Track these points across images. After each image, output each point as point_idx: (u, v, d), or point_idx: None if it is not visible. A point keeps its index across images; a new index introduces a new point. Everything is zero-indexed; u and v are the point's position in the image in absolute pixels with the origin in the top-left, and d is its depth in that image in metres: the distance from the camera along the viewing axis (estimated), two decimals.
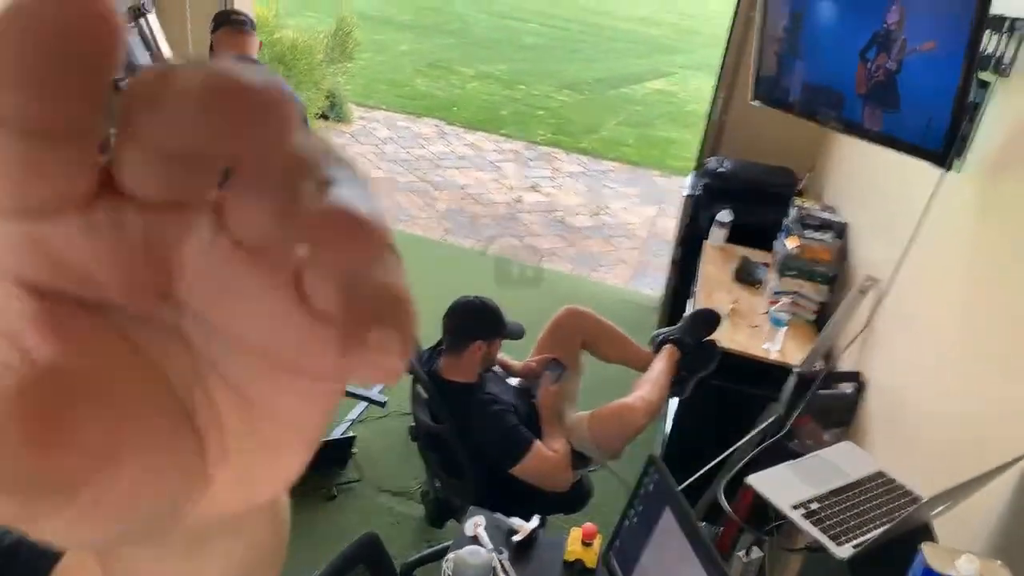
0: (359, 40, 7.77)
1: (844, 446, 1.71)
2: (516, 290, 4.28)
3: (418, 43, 11.12)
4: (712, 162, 3.63)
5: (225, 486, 0.20)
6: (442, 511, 2.43)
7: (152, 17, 2.93)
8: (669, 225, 4.93)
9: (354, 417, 3.21)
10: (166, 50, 3.05)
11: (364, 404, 3.27)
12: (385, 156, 6.66)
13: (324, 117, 6.92)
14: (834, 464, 1.58)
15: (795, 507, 1.39)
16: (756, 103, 2.72)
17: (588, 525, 1.71)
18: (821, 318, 2.75)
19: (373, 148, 6.82)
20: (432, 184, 6.17)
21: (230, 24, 2.49)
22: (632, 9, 17.06)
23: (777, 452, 1.84)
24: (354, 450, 2.92)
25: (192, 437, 0.18)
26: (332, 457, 2.89)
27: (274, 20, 6.35)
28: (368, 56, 9.01)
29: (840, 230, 2.88)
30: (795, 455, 1.66)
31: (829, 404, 2.09)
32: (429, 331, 2.31)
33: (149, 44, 2.94)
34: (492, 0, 15.38)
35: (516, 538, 1.69)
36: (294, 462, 0.21)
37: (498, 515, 1.78)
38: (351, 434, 3.01)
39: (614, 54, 12.57)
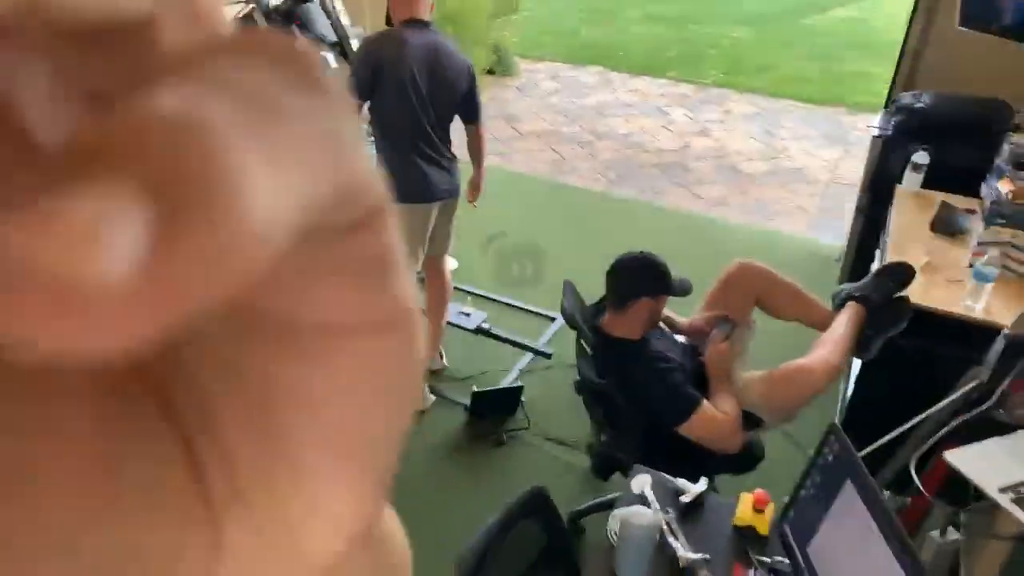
0: None
1: None
2: (684, 243, 4.15)
3: None
4: (907, 97, 3.27)
5: (252, 545, 0.14)
6: (608, 464, 2.45)
7: None
8: (855, 169, 4.53)
9: (521, 366, 3.30)
10: (345, 19, 3.20)
11: (531, 355, 3.35)
12: (549, 107, 6.63)
13: (491, 72, 7.00)
14: None
15: (1003, 490, 1.25)
16: (962, 29, 2.40)
17: (760, 492, 1.65)
18: None
19: (538, 101, 6.81)
20: (595, 133, 6.08)
21: None
22: None
23: (981, 424, 1.65)
24: (523, 399, 3.01)
25: (177, 468, 0.13)
26: (502, 404, 3.00)
27: None
28: (532, 6, 8.95)
29: None
30: (1005, 429, 1.48)
31: None
32: (594, 286, 2.31)
33: (329, 13, 3.09)
34: None
35: (684, 499, 1.67)
36: (344, 504, 0.14)
37: (664, 475, 1.76)
38: (520, 383, 3.10)
39: None
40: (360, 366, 0.13)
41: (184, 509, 0.13)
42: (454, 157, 2.76)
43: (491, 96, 6.70)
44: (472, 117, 2.79)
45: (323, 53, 3.08)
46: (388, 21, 2.67)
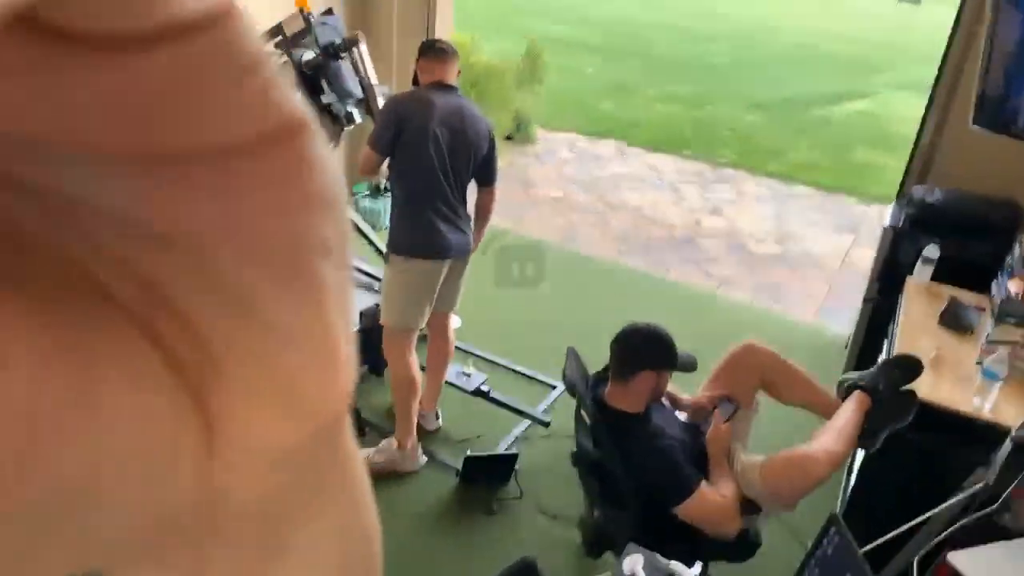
0: (547, 63, 7.96)
1: None
2: (691, 319, 4.14)
3: (604, 65, 11.19)
4: (919, 191, 3.30)
5: (244, 419, 0.14)
6: (600, 541, 2.38)
7: (363, 47, 3.18)
8: (865, 258, 4.54)
9: (518, 433, 3.25)
10: (373, 77, 3.29)
11: (528, 422, 3.30)
12: (564, 177, 6.74)
13: (509, 138, 7.14)
14: None
15: None
16: (976, 128, 2.44)
17: None
18: None
19: (554, 168, 6.92)
20: (608, 204, 6.15)
21: (433, 52, 2.65)
22: (829, 24, 16.07)
23: (985, 528, 1.61)
24: (517, 467, 2.95)
25: (151, 348, 0.13)
26: (495, 471, 2.94)
27: (471, 45, 6.67)
28: (555, 79, 9.21)
29: None
30: (1008, 535, 1.43)
31: None
32: (598, 355, 2.29)
33: (358, 70, 3.18)
34: (680, 22, 15.17)
35: None
36: (324, 369, 0.15)
37: (657, 556, 1.70)
38: (515, 450, 3.05)
39: (808, 73, 11.91)
40: (271, 179, 0.13)
41: (162, 391, 0.13)
42: (469, 217, 2.79)
43: (509, 161, 6.82)
44: (488, 181, 2.83)
45: (350, 108, 3.15)
46: (415, 82, 2.74)
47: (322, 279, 0.14)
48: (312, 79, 3.06)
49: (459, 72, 2.72)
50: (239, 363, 0.14)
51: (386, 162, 2.63)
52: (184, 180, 0.12)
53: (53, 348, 0.12)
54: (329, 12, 3.24)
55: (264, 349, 0.14)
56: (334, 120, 3.14)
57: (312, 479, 0.17)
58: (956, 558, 1.28)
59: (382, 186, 2.72)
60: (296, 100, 0.13)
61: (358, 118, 3.17)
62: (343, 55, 3.07)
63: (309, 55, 3.06)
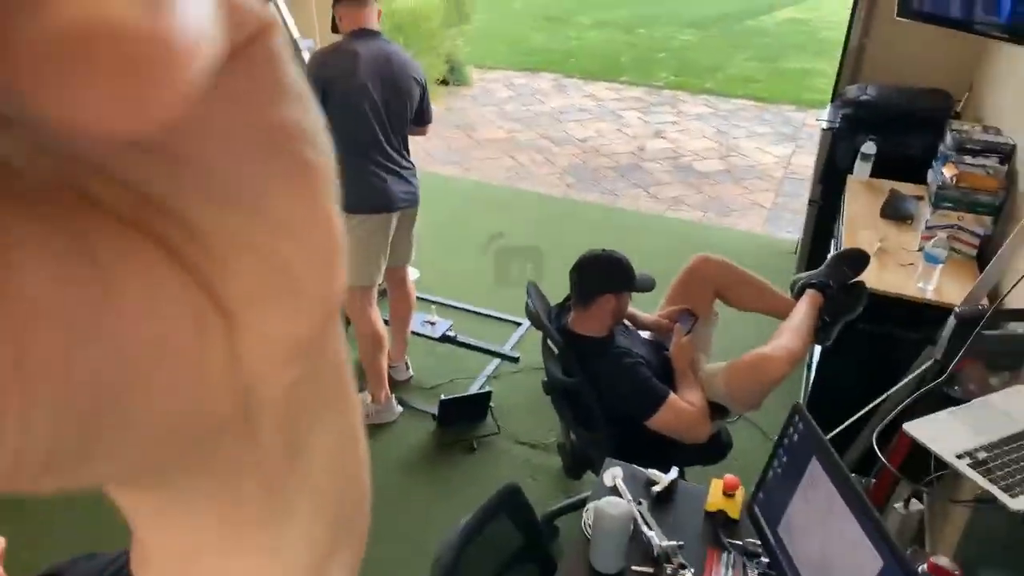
0: (474, 1, 7.77)
1: (1017, 390, 1.56)
2: (644, 243, 4.20)
3: None
4: (852, 90, 3.36)
5: (258, 311, 0.14)
6: (579, 463, 2.46)
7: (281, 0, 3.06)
8: (807, 163, 4.64)
9: (489, 372, 3.29)
10: (294, 31, 3.18)
11: (497, 360, 3.35)
12: (506, 115, 6.67)
13: (444, 82, 7.01)
14: (1004, 410, 1.44)
15: (960, 456, 1.29)
16: (902, 20, 2.48)
17: (730, 476, 1.67)
18: (984, 253, 2.50)
19: (494, 108, 6.84)
20: (552, 139, 6.12)
21: None
22: None
23: (936, 400, 1.70)
24: (491, 404, 3.01)
25: (157, 249, 0.13)
26: (471, 411, 2.99)
27: None
28: (483, 16, 9.00)
29: (1006, 153, 2.60)
30: (957, 403, 1.53)
31: (997, 346, 1.90)
32: (557, 289, 2.32)
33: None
34: None
35: (655, 489, 1.69)
36: (325, 257, 0.16)
37: (635, 466, 1.77)
38: (488, 388, 3.10)
39: None
40: (247, 74, 0.14)
41: (177, 286, 0.13)
42: (412, 165, 2.75)
43: (446, 106, 6.71)
44: (424, 122, 2.79)
45: None
46: (334, 27, 2.66)
47: (311, 165, 0.15)
48: None
49: (380, 13, 2.64)
50: (244, 256, 0.14)
51: None
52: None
53: (66, 251, 0.12)
54: None
55: (266, 240, 0.14)
56: None
57: (320, 376, 0.18)
58: (911, 427, 1.36)
59: None
60: (260, 1, 0.14)
61: None
62: None
63: None
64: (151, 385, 0.13)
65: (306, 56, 2.95)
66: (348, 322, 2.95)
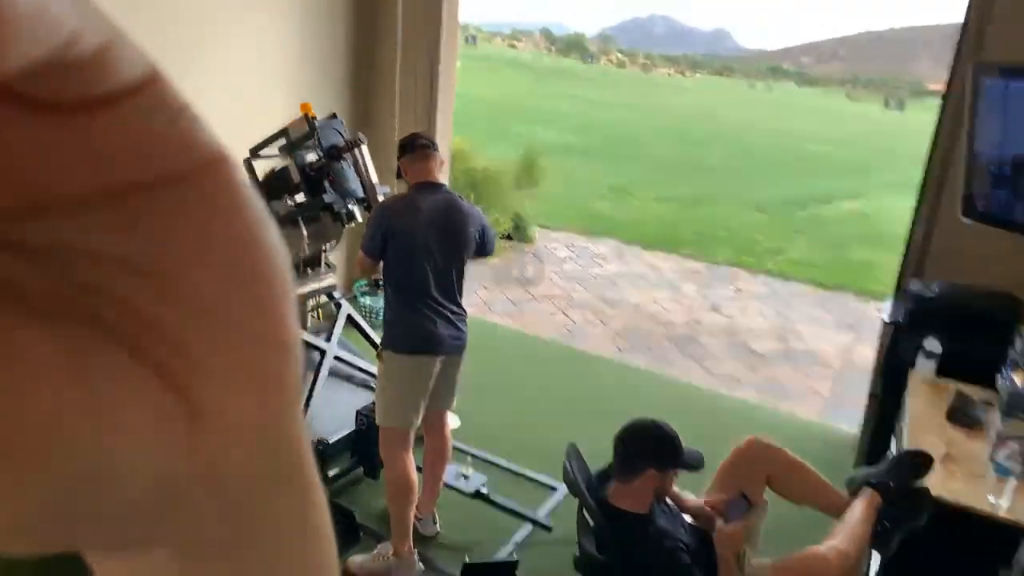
0: (544, 167, 8.20)
1: None
2: (693, 418, 4.07)
3: (602, 168, 11.53)
4: (916, 285, 3.32)
5: (223, 403, 0.17)
6: None
7: (364, 148, 3.28)
8: (867, 355, 4.52)
9: (519, 539, 3.12)
10: (374, 176, 3.38)
11: (530, 526, 3.18)
12: (564, 274, 6.81)
13: (508, 237, 7.27)
14: None
15: None
16: (966, 220, 2.47)
17: None
18: None
19: (553, 267, 7.01)
20: (607, 301, 6.18)
21: (414, 148, 2.73)
22: (819, 128, 16.67)
23: None
24: (517, 574, 2.82)
25: (136, 361, 0.16)
26: None
27: (471, 150, 6.89)
28: (553, 183, 9.46)
29: None
30: None
31: None
32: (599, 455, 2.23)
33: (360, 170, 3.27)
34: (675, 128, 15.74)
35: None
36: (281, 352, 0.18)
37: None
38: (515, 557, 2.92)
39: (802, 174, 12.25)
40: (211, 200, 0.16)
41: (150, 394, 0.16)
42: (464, 312, 2.79)
43: (507, 260, 6.92)
44: (487, 254, 2.89)
45: (352, 207, 3.22)
46: (398, 174, 2.82)
47: (271, 275, 0.17)
48: (315, 179, 3.15)
49: (443, 163, 2.81)
50: (215, 359, 0.17)
51: (380, 264, 2.68)
52: (142, 215, 0.15)
53: (65, 366, 0.14)
54: (333, 116, 3.36)
55: (233, 344, 0.17)
56: (335, 218, 3.21)
57: (277, 454, 0.20)
58: None
59: (380, 282, 2.78)
60: (216, 138, 0.16)
61: (359, 216, 3.24)
62: (345, 156, 3.16)
63: (312, 156, 3.16)
64: (122, 469, 0.16)
65: (382, 199, 3.12)
66: (381, 464, 2.88)
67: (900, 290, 3.52)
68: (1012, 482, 2.23)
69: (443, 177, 2.78)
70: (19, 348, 0.14)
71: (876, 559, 2.49)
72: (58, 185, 0.15)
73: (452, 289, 2.73)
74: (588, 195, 9.88)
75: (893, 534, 2.12)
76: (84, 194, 0.15)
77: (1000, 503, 2.21)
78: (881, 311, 3.48)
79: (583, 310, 5.96)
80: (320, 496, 0.23)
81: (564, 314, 5.85)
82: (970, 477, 2.36)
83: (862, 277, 7.33)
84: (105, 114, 0.14)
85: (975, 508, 2.20)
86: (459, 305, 2.77)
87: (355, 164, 3.22)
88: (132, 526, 0.17)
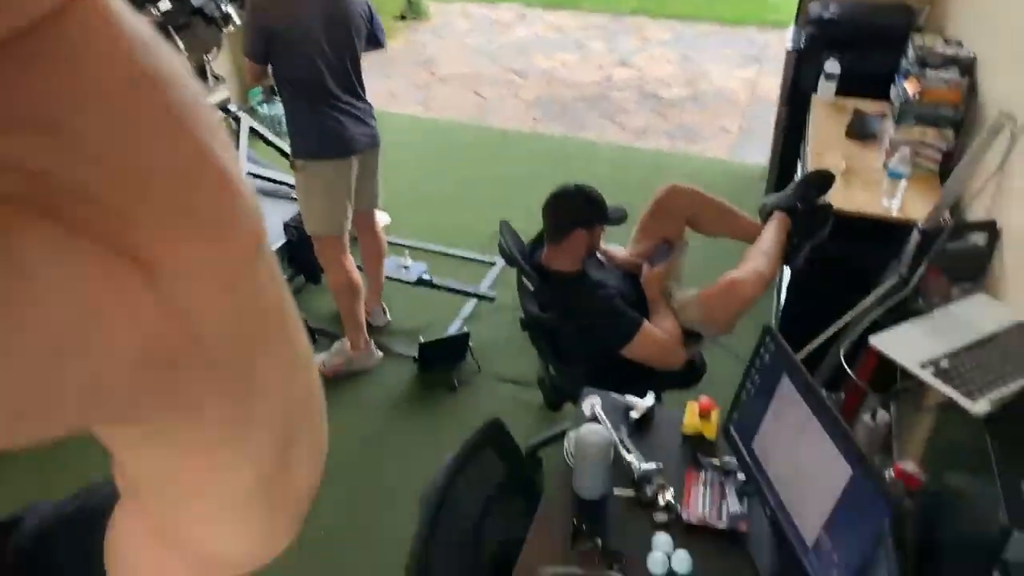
0: None
1: (976, 299, 1.61)
2: (613, 174, 4.18)
3: None
4: (815, 7, 3.32)
5: (175, 252, 0.16)
6: (559, 395, 2.51)
7: None
8: (773, 86, 4.61)
9: (466, 314, 3.31)
10: None
11: (474, 300, 3.36)
12: (468, 48, 6.50)
13: (402, 17, 6.79)
14: (965, 319, 1.49)
15: (923, 365, 1.34)
16: None
17: (704, 399, 1.72)
18: (946, 168, 2.53)
19: (455, 42, 6.67)
20: (517, 72, 6.00)
21: None
22: None
23: (902, 313, 1.75)
24: (471, 344, 3.03)
25: (56, 225, 0.15)
26: (450, 352, 3.02)
27: None
28: None
29: (967, 65, 2.60)
30: (922, 315, 1.57)
31: (958, 257, 1.95)
32: (530, 225, 2.32)
33: None
34: None
35: (633, 415, 1.73)
36: (226, 194, 0.17)
37: (613, 394, 1.81)
38: (466, 329, 3.12)
39: None
40: (84, 35, 0.14)
41: (83, 254, 0.15)
42: (369, 105, 2.68)
43: (405, 41, 6.53)
44: (379, 45, 2.70)
45: (225, 8, 2.93)
46: None
47: (175, 107, 0.16)
48: None
49: None
50: (138, 206, 0.15)
51: (269, 68, 2.49)
52: (19, 61, 0.14)
53: None
54: None
55: (159, 187, 0.15)
56: (208, 22, 2.93)
57: (259, 308, 0.19)
58: (876, 340, 1.41)
59: (275, 88, 2.60)
60: None
61: (236, 17, 2.96)
62: None
63: None
64: (89, 348, 0.15)
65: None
66: (321, 269, 2.93)
67: (801, 15, 3.52)
68: (903, 184, 2.43)
69: None
70: None
71: (787, 273, 2.75)
72: None
73: (351, 82, 2.59)
74: None
75: (801, 248, 2.32)
76: None
77: (892, 204, 2.43)
78: (784, 40, 3.50)
79: (493, 85, 5.79)
80: (302, 334, 0.23)
81: (475, 93, 5.69)
82: (867, 186, 2.56)
83: (766, 8, 7.24)
84: None
85: (871, 213, 2.42)
86: (362, 99, 2.65)
87: None
88: (134, 397, 0.17)
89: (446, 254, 3.66)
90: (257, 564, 0.27)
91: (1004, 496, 1.09)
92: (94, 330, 0.15)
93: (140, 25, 0.15)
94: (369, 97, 2.70)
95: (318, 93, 2.49)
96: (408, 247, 3.58)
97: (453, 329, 3.19)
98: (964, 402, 1.26)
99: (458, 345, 3.03)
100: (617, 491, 1.53)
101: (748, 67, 6.00)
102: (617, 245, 2.46)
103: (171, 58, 0.16)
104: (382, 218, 3.16)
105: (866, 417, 1.67)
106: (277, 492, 0.24)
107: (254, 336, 0.20)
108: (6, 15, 0.13)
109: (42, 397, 0.15)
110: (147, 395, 0.17)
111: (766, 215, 2.36)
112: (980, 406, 1.25)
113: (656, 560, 1.37)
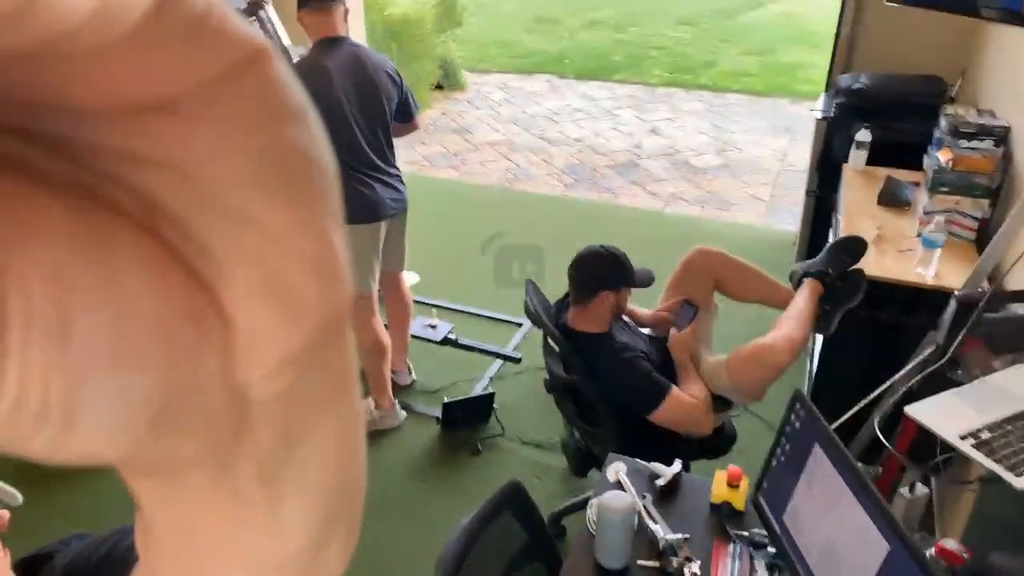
0: (466, 5, 7.78)
1: (1017, 370, 1.55)
2: (642, 239, 4.19)
3: (523, 1, 10.97)
4: (845, 79, 3.35)
5: (253, 318, 0.16)
6: (584, 460, 2.45)
7: (270, 9, 3.06)
8: (804, 155, 4.63)
9: (491, 374, 3.29)
10: (284, 38, 3.18)
11: (499, 361, 3.34)
12: (502, 118, 6.66)
13: (439, 87, 7.01)
14: (1006, 389, 1.43)
15: (963, 437, 1.28)
16: (892, 4, 2.47)
17: (733, 467, 1.66)
18: (983, 237, 2.49)
19: (489, 112, 6.84)
20: (548, 140, 6.12)
21: (311, 3, 2.49)
22: None
23: (940, 384, 1.69)
24: (495, 406, 3.00)
25: (160, 247, 0.15)
26: (474, 413, 2.98)
27: None
28: (476, 20, 9.01)
29: (1001, 135, 2.59)
30: (961, 386, 1.52)
31: (999, 327, 1.89)
32: (557, 288, 2.31)
33: (269, 34, 3.07)
34: None
35: (659, 482, 1.68)
36: (320, 272, 0.17)
37: (639, 461, 1.77)
38: (490, 390, 3.09)
39: None
40: (245, 99, 0.15)
41: (176, 277, 0.15)
42: (398, 170, 2.74)
43: (441, 111, 6.72)
44: (408, 118, 2.75)
45: None
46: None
47: (308, 185, 0.16)
48: None
49: (347, 13, 2.60)
50: (241, 268, 0.15)
51: None
52: (174, 116, 0.14)
53: (80, 231, 0.14)
54: None
55: (263, 254, 0.16)
56: None
57: (321, 381, 0.19)
58: (913, 410, 1.35)
59: None
60: (251, 30, 0.15)
61: None
62: (250, 21, 2.95)
63: None
64: (146, 363, 0.15)
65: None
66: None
67: (831, 85, 3.55)
68: (937, 252, 2.39)
69: (352, 29, 2.59)
70: (32, 210, 0.13)
71: (819, 341, 2.70)
72: (86, 89, 0.14)
73: (382, 149, 2.65)
74: (514, 29, 9.47)
75: (833, 315, 2.28)
76: (113, 100, 0.14)
77: (927, 273, 2.39)
78: (813, 110, 3.52)
79: (525, 152, 5.90)
80: (359, 416, 0.22)
81: (506, 159, 5.80)
82: (900, 254, 2.52)
83: (795, 79, 7.34)
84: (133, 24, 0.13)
85: (905, 280, 2.38)
86: (392, 164, 2.70)
87: (262, 27, 3.01)
88: (156, 433, 0.16)
89: (473, 314, 3.67)
90: None
91: None
92: (155, 348, 0.15)
93: (301, 100, 0.16)
94: (404, 163, 2.75)
95: (350, 163, 2.55)
96: (435, 306, 3.59)
97: (478, 389, 3.16)
98: (1008, 476, 1.20)
99: (482, 406, 3.00)
100: (641, 562, 1.47)
101: (779, 137, 6.05)
102: (645, 310, 2.44)
103: (318, 136, 0.17)
104: (410, 278, 3.19)
105: (904, 491, 1.59)
106: (307, 572, 0.23)
107: (307, 414, 0.19)
108: (200, 65, 0.14)
109: (75, 390, 0.14)
110: (177, 442, 0.17)
111: (797, 281, 2.33)
112: (1023, 481, 1.19)
113: None
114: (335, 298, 0.17)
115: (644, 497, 1.62)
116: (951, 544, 1.36)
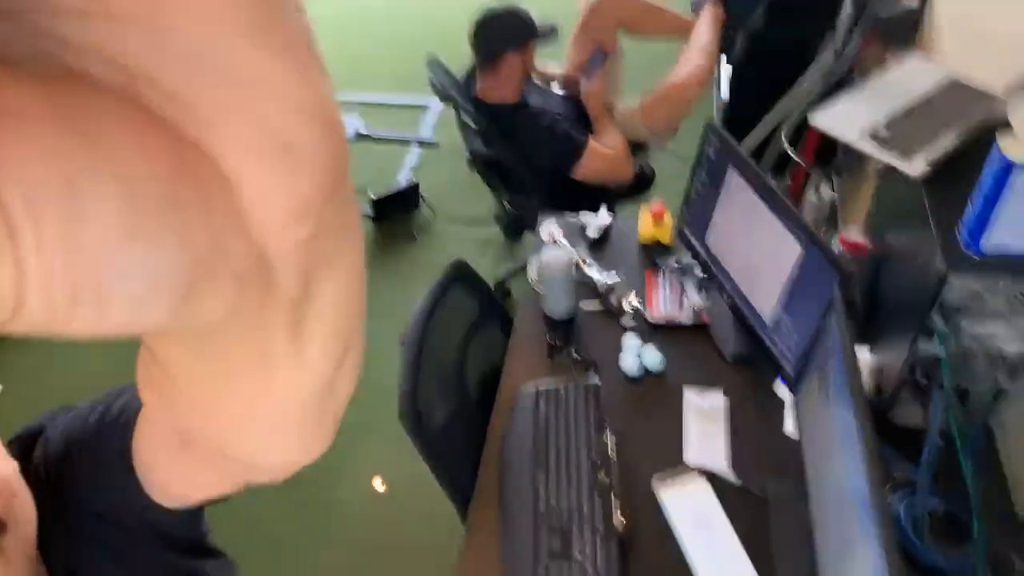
0: None
1: (910, 62, 1.61)
2: None
3: None
4: None
5: (252, 175, 0.16)
6: (517, 227, 2.54)
7: None
8: None
9: (413, 164, 3.25)
10: None
11: (418, 148, 3.29)
12: None
13: None
14: (901, 83, 1.50)
15: (863, 136, 1.36)
16: None
17: (656, 203, 1.75)
18: None
19: None
20: None
21: None
22: None
23: (842, 88, 1.75)
24: (422, 193, 3.01)
25: (144, 110, 0.15)
26: (404, 203, 2.99)
27: None
28: None
29: None
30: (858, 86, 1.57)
31: (891, 21, 1.93)
32: (461, 56, 2.22)
33: None
34: None
35: (590, 232, 1.77)
36: (312, 119, 0.16)
37: (568, 215, 1.84)
38: (414, 179, 3.08)
39: None
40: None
41: (166, 133, 0.15)
42: None
43: None
44: None
45: None
46: None
47: (282, 30, 0.15)
48: None
49: None
50: (230, 120, 0.15)
51: None
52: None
53: (64, 104, 0.14)
54: None
55: (252, 107, 0.15)
56: None
57: (333, 232, 0.19)
58: (816, 117, 1.42)
59: None
60: None
61: None
62: None
63: None
64: (160, 229, 0.15)
65: None
66: None
67: None
68: None
69: None
70: (11, 95, 0.13)
71: (726, 66, 2.71)
72: None
73: None
74: None
75: (737, 36, 2.28)
76: None
77: None
78: None
79: None
80: (361, 254, 0.23)
81: None
82: None
83: None
84: None
85: None
86: None
87: None
88: (187, 296, 0.16)
89: (380, 104, 3.53)
90: (292, 471, 0.28)
91: (940, 245, 1.16)
92: (166, 216, 0.15)
93: None
94: None
95: None
96: (341, 103, 3.43)
97: (403, 181, 3.14)
98: (901, 164, 1.30)
99: (410, 195, 3.00)
100: (584, 305, 1.59)
101: None
102: (554, 64, 2.39)
103: None
104: None
105: (811, 195, 1.72)
106: (327, 405, 0.25)
107: (323, 262, 0.20)
108: None
109: (99, 268, 0.14)
110: (211, 302, 0.17)
111: (698, 7, 2.29)
112: (916, 166, 1.29)
113: (627, 359, 1.46)
114: (334, 144, 0.17)
115: (579, 248, 1.71)
116: (853, 233, 1.51)
